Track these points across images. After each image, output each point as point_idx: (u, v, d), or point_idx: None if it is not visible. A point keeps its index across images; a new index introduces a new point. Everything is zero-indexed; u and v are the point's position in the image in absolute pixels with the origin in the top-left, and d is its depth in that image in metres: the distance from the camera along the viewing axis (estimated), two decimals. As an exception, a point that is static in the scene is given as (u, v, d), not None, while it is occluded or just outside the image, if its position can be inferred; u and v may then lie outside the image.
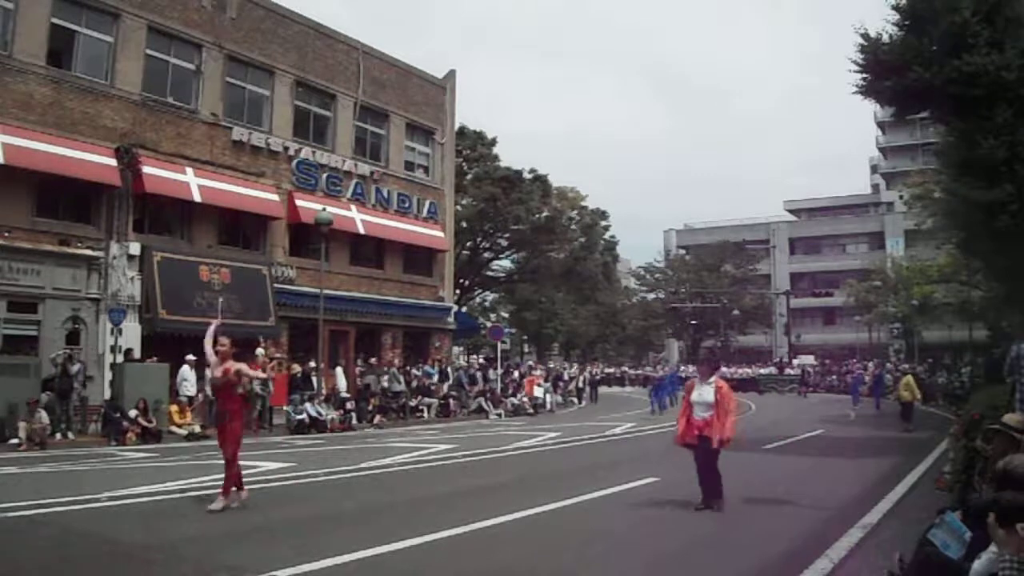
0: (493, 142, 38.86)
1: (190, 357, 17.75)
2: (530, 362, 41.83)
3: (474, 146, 38.01)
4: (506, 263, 45.06)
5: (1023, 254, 13.61)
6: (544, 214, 40.05)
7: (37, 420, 14.21)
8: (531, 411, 26.04)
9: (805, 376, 42.99)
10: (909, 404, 18.14)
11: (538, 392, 26.95)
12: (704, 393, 8.05)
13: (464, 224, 37.39)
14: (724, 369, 46.81)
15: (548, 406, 27.57)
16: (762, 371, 46.24)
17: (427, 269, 27.84)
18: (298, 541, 6.24)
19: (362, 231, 24.36)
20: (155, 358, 17.76)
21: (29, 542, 6.28)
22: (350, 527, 7.05)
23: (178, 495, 8.45)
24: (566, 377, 35.19)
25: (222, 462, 7.70)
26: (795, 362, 47.87)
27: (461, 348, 44.79)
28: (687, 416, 8.13)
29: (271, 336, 21.03)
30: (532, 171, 39.02)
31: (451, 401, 24.14)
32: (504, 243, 41.53)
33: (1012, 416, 5.43)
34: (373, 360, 23.46)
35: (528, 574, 5.71)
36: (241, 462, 7.88)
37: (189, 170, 19.80)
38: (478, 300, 51.99)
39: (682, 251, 67.16)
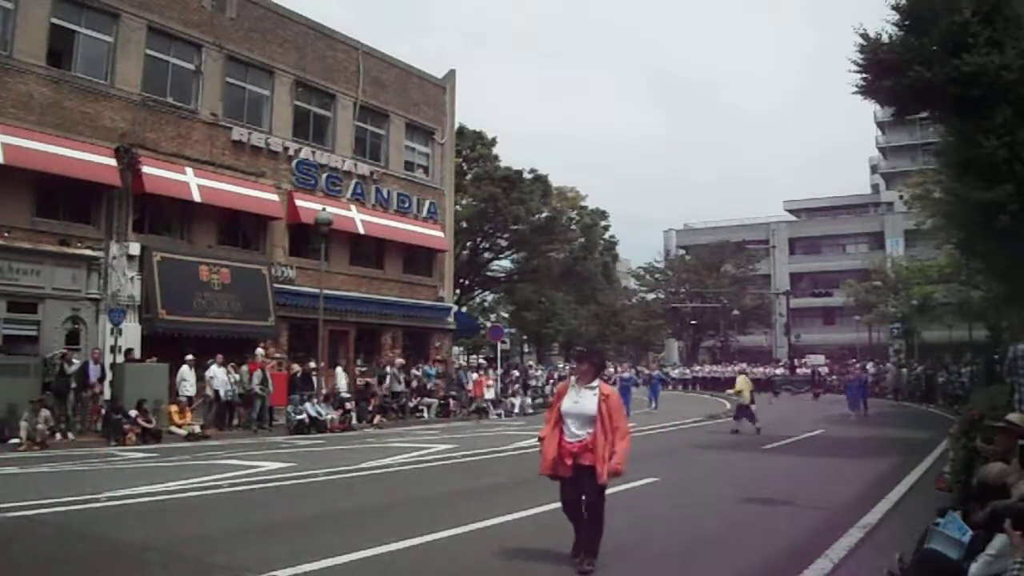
0: (493, 142, 38.85)
1: (190, 357, 17.88)
2: (530, 362, 41.79)
3: (474, 146, 37.99)
4: (506, 263, 45.06)
5: (1023, 254, 13.62)
6: (544, 214, 40.05)
7: (41, 419, 14.21)
8: (531, 411, 25.95)
9: (816, 377, 42.89)
10: (745, 405, 18.13)
11: (489, 394, 25.35)
12: (584, 402, 5.66)
13: (464, 224, 37.35)
14: (743, 367, 46.64)
15: (518, 409, 25.89)
16: (776, 372, 46.14)
17: (427, 269, 27.83)
18: (298, 541, 6.24)
19: (362, 231, 24.35)
20: (155, 358, 17.76)
21: (29, 542, 6.28)
22: (350, 527, 7.06)
23: (178, 495, 8.45)
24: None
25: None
26: (805, 362, 47.84)
27: (461, 348, 44.82)
28: (559, 435, 5.71)
29: (271, 336, 21.04)
30: (532, 171, 39.06)
31: (451, 401, 24.13)
32: (504, 243, 41.48)
33: (1016, 415, 5.43)
34: (399, 361, 23.39)
35: (528, 574, 5.71)
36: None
37: (189, 170, 19.78)
38: (478, 300, 51.94)
39: (682, 251, 67.18)
